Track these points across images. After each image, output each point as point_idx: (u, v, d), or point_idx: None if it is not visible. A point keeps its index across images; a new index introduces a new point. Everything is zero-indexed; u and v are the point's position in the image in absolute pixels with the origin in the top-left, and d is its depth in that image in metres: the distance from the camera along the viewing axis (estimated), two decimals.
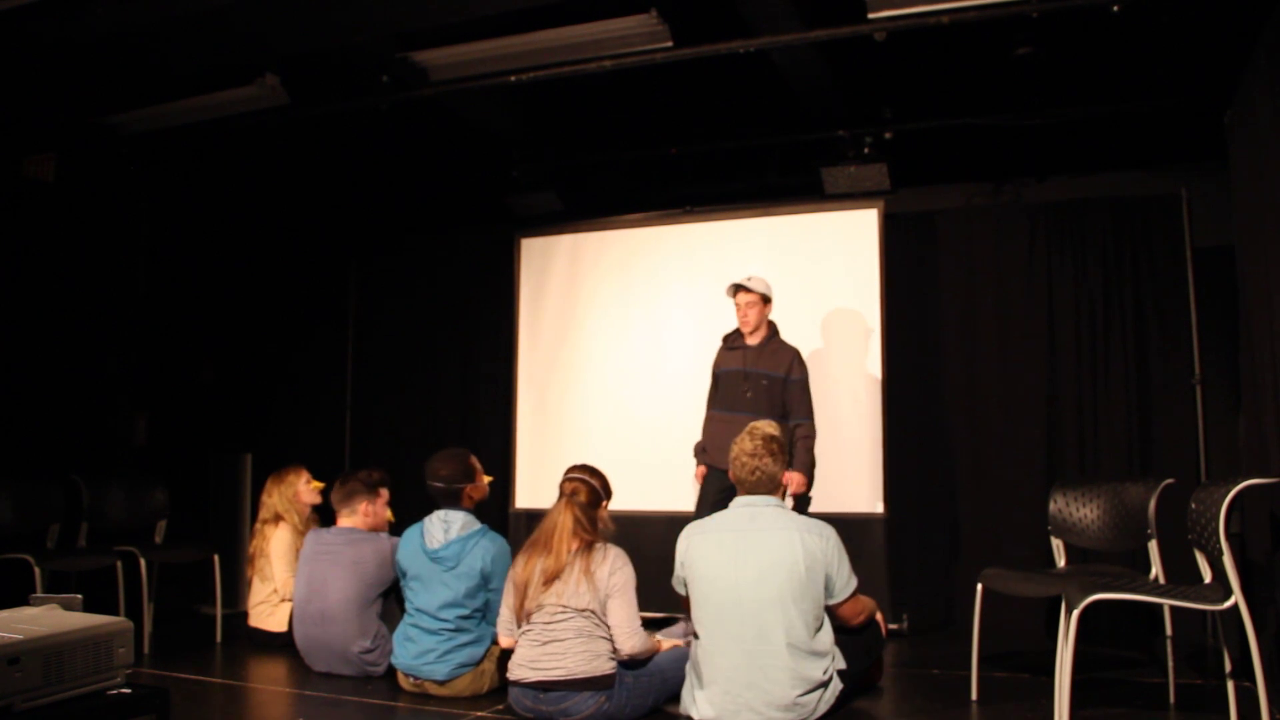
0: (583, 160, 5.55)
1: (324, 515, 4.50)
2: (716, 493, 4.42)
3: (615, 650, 3.23)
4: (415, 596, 3.64)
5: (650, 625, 3.40)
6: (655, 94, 4.66)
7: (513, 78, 4.27)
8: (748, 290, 4.42)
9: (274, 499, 4.68)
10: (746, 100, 4.79)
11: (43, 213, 5.13)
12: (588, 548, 3.24)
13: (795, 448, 4.26)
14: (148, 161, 5.29)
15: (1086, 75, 4.36)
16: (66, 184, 5.03)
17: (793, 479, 4.17)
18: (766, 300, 4.47)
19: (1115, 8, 3.43)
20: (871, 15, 3.71)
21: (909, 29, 3.71)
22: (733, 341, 4.59)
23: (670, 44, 4.01)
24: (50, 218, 5.18)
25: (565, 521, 3.26)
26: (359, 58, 4.29)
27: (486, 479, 3.90)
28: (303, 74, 4.41)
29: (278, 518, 4.64)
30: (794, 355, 4.45)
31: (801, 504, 4.33)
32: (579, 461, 3.53)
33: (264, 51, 4.26)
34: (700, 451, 4.58)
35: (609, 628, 3.21)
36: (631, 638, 3.20)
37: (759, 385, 4.40)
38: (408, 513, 4.02)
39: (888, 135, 4.85)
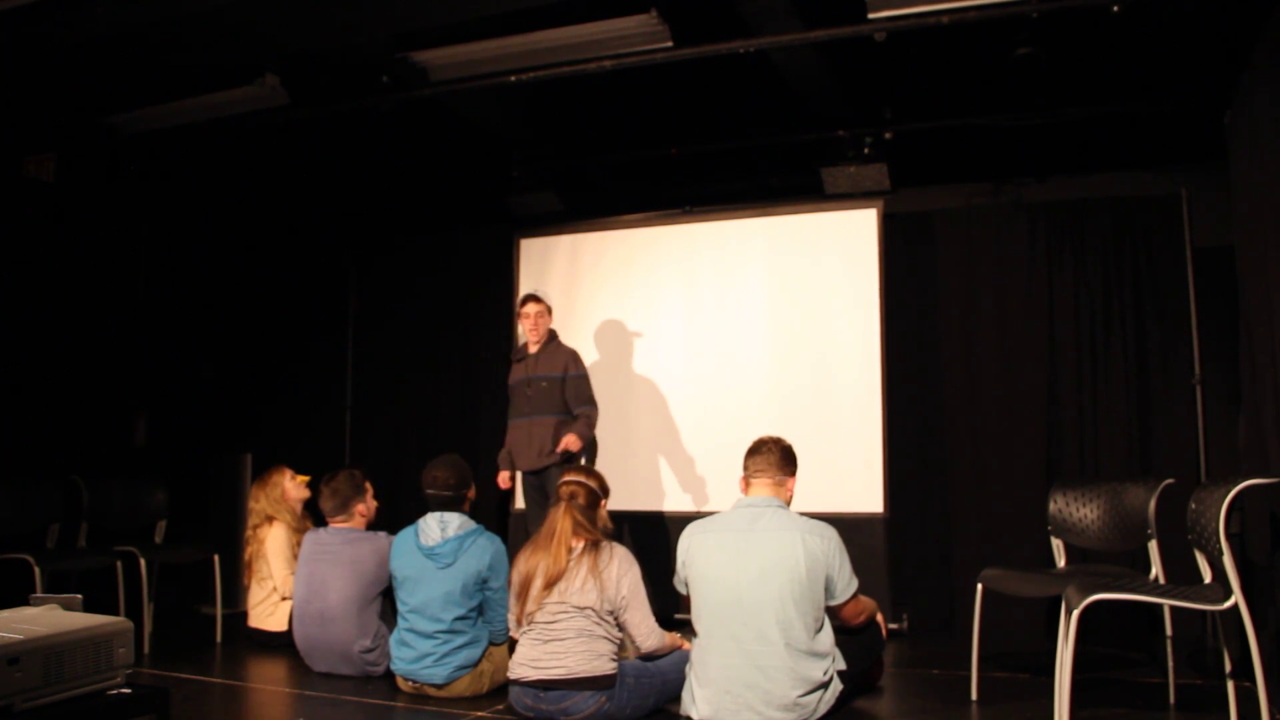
0: (583, 160, 5.54)
1: (313, 511, 4.51)
2: (534, 490, 4.71)
3: (620, 651, 3.24)
4: (410, 596, 3.62)
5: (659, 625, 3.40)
6: (655, 94, 4.65)
7: (513, 78, 4.28)
8: (539, 301, 4.71)
9: (261, 503, 4.69)
10: (746, 100, 4.79)
11: (43, 213, 5.13)
12: (594, 546, 3.25)
13: (578, 422, 4.54)
14: (148, 161, 5.29)
15: (1086, 75, 4.35)
16: (66, 184, 5.03)
17: (567, 438, 4.45)
18: (550, 311, 4.77)
19: (1115, 8, 3.43)
20: (871, 15, 3.71)
21: (909, 29, 3.71)
22: (518, 355, 4.85)
23: (670, 44, 4.01)
24: (50, 218, 5.18)
25: (565, 525, 3.27)
26: (359, 58, 4.29)
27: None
28: (303, 74, 4.41)
29: (269, 519, 4.65)
30: (570, 355, 4.72)
31: (568, 459, 4.53)
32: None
33: (264, 51, 4.26)
34: (505, 458, 4.76)
35: (613, 628, 3.22)
36: (649, 638, 3.27)
37: (539, 387, 4.65)
38: (408, 515, 4.01)
39: (887, 135, 4.85)
